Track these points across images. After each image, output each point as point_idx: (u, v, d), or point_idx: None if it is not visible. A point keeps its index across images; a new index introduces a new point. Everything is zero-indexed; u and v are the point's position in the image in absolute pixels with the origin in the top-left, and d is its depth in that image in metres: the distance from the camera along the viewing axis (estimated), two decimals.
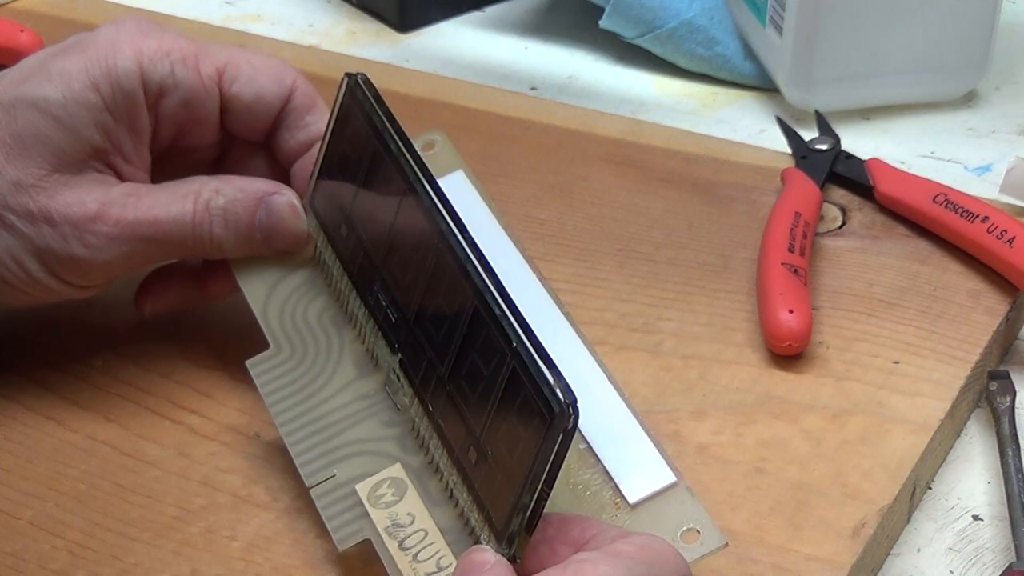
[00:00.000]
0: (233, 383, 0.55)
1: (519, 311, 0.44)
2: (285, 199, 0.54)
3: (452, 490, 0.46)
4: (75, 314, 0.58)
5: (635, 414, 0.48)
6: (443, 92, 0.72)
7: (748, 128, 0.73)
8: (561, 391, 0.41)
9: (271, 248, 0.54)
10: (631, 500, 0.45)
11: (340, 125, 0.53)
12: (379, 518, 0.47)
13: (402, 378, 0.49)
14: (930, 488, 0.54)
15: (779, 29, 0.71)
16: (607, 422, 0.47)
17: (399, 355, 0.49)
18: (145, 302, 0.57)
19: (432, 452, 0.47)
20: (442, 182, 0.52)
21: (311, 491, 0.48)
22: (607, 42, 0.79)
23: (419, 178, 0.49)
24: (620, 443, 0.47)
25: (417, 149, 0.52)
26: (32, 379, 0.56)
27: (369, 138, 0.52)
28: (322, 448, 0.49)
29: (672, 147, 0.68)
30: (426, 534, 0.46)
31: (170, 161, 0.56)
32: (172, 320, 0.57)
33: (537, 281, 0.52)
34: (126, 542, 0.49)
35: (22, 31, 0.74)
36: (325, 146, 0.54)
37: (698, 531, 0.44)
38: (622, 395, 0.48)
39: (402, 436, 0.49)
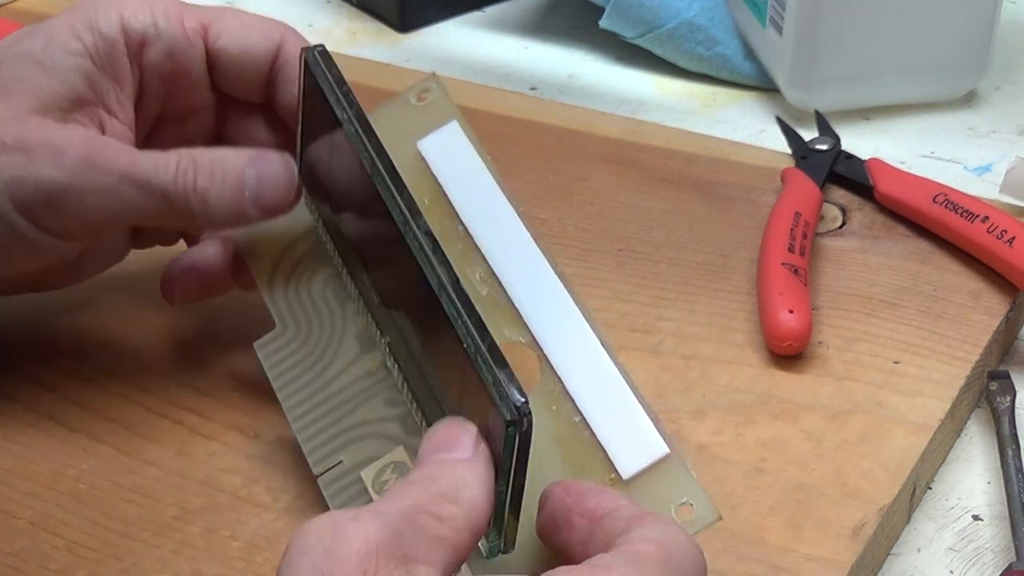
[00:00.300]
0: (233, 383, 0.55)
1: (472, 306, 0.43)
2: (276, 155, 0.52)
3: None
4: (75, 314, 0.58)
5: (629, 383, 0.46)
6: None
7: (748, 128, 0.73)
8: (516, 391, 0.40)
9: (261, 208, 0.52)
10: (625, 476, 0.44)
11: (305, 100, 0.52)
12: None
13: (390, 361, 0.49)
14: (930, 488, 0.54)
15: (779, 29, 0.71)
16: (601, 391, 0.46)
17: (386, 337, 0.49)
18: (174, 291, 0.55)
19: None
20: (436, 134, 0.51)
21: (319, 479, 0.48)
22: (607, 42, 0.79)
23: (373, 160, 0.48)
24: (613, 413, 0.45)
25: (412, 99, 0.51)
26: (32, 379, 0.56)
27: (328, 113, 0.50)
28: (328, 433, 0.49)
29: (672, 147, 0.68)
30: None
31: (165, 130, 0.56)
32: (172, 320, 0.57)
33: (531, 240, 0.50)
34: (126, 542, 0.49)
35: None
36: (300, 121, 0.53)
37: (692, 505, 0.43)
38: (615, 361, 0.47)
39: (404, 416, 0.48)
